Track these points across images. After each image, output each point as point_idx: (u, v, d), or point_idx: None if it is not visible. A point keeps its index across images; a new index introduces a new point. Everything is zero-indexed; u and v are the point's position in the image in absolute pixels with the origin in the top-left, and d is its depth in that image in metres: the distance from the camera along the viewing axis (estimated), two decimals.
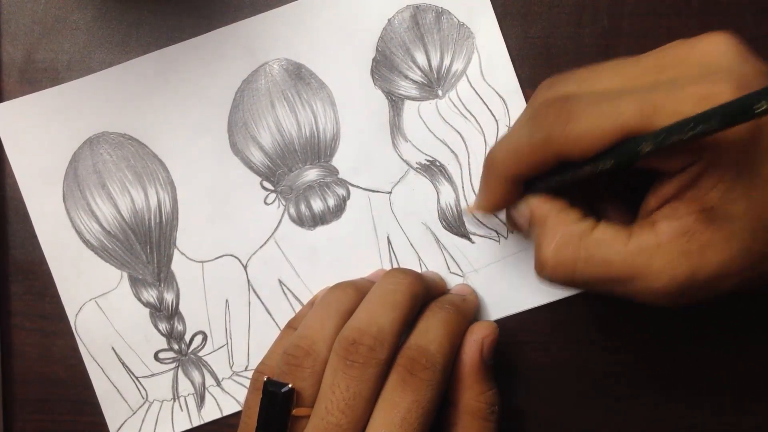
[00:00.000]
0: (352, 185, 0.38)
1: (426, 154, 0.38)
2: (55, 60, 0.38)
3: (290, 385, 0.31)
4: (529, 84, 0.37)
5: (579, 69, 0.30)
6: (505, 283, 0.37)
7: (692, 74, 0.27)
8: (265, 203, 0.38)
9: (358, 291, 0.33)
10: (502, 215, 0.37)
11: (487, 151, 0.33)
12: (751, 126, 0.25)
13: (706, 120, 0.23)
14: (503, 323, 0.37)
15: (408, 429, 0.29)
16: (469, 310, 0.35)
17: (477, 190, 0.36)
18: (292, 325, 0.36)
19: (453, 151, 0.37)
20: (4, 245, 0.38)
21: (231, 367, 0.38)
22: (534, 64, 0.37)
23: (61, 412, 0.38)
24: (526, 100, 0.37)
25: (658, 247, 0.27)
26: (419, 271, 0.37)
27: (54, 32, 0.38)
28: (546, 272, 0.30)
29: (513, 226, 0.34)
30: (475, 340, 0.33)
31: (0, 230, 0.38)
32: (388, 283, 0.33)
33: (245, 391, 0.37)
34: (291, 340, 0.32)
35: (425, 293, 0.34)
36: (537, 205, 0.31)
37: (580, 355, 0.37)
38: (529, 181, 0.31)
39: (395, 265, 0.37)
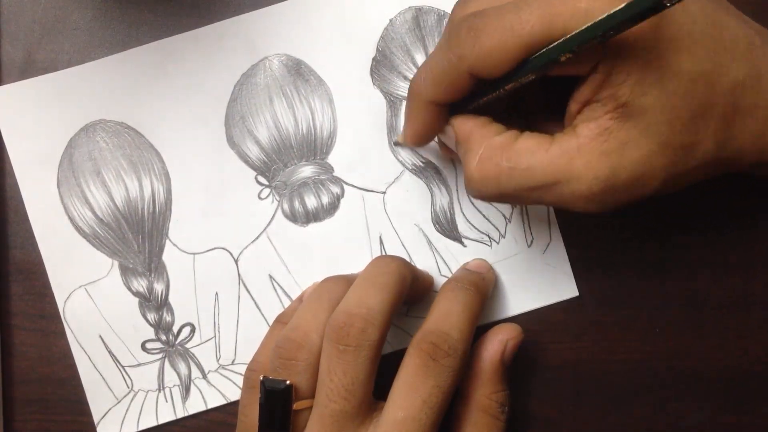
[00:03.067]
0: (347, 184, 0.38)
1: (422, 156, 0.38)
2: (55, 60, 0.38)
3: (288, 382, 0.31)
4: None
5: None
6: (496, 287, 0.37)
7: None
8: (259, 198, 0.38)
9: (349, 283, 0.33)
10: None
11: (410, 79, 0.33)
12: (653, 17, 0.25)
13: (615, 19, 0.24)
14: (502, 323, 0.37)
15: (428, 413, 0.30)
16: (488, 289, 0.36)
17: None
18: (281, 320, 0.36)
19: None
20: (4, 245, 0.38)
21: (218, 360, 0.38)
22: None
23: (61, 412, 0.38)
24: None
25: (578, 149, 0.28)
26: None
27: (54, 32, 0.38)
28: (473, 187, 0.30)
29: (445, 151, 0.35)
30: (500, 341, 0.33)
31: (0, 230, 0.38)
32: (375, 267, 0.33)
33: (231, 385, 0.37)
34: (283, 334, 0.32)
35: (413, 277, 0.34)
36: (459, 123, 0.31)
37: (580, 355, 0.37)
38: (454, 104, 0.31)
39: None
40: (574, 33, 0.26)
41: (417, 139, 0.34)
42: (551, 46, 0.27)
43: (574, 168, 0.28)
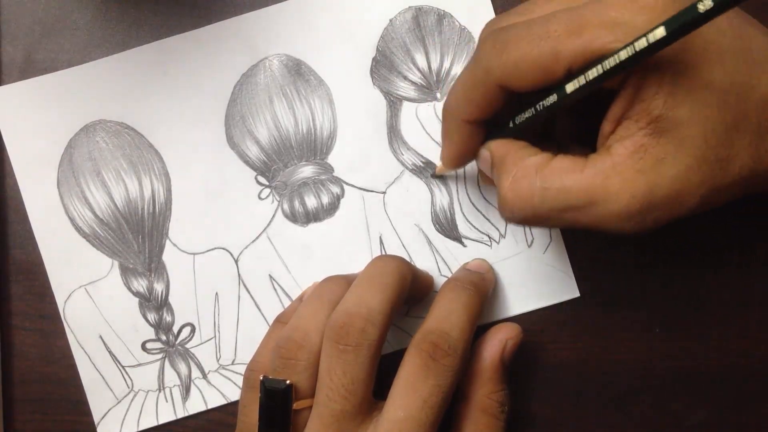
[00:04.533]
0: (347, 184, 0.38)
1: (422, 156, 0.38)
2: (55, 60, 0.38)
3: (288, 382, 0.31)
4: None
5: (518, 6, 0.31)
6: (496, 288, 0.37)
7: None
8: (259, 198, 0.38)
9: (349, 283, 0.33)
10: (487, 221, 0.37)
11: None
12: None
13: (654, 45, 0.24)
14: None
15: (428, 413, 0.30)
16: (488, 289, 0.36)
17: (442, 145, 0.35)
18: (281, 320, 0.36)
19: None
20: (4, 245, 0.38)
21: (218, 361, 0.38)
22: None
23: (61, 412, 0.38)
24: None
25: (614, 168, 0.27)
26: None
27: (54, 32, 0.38)
28: (507, 208, 0.29)
29: (484, 179, 0.35)
30: (500, 340, 0.34)
31: (0, 230, 0.38)
32: (374, 267, 0.33)
33: (231, 385, 0.37)
34: (283, 333, 0.32)
35: (413, 276, 0.34)
36: (496, 147, 0.31)
37: (580, 355, 0.37)
38: (492, 129, 0.31)
39: None
40: (615, 59, 0.25)
41: (454, 161, 0.33)
42: (589, 71, 0.26)
43: (610, 187, 0.27)
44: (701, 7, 0.23)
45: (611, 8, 0.26)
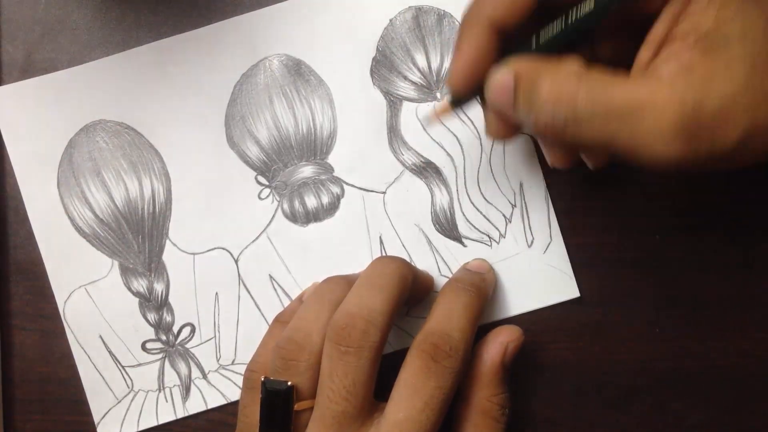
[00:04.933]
0: (347, 184, 0.38)
1: (422, 156, 0.38)
2: (55, 60, 0.38)
3: (289, 383, 0.31)
4: None
5: None
6: (497, 288, 0.37)
7: None
8: (259, 198, 0.38)
9: (349, 283, 0.33)
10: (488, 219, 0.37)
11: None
12: None
13: None
14: (503, 323, 0.37)
15: (429, 414, 0.30)
16: (488, 290, 0.36)
17: (450, 62, 0.32)
18: (280, 320, 0.36)
19: (449, 154, 0.37)
20: (4, 245, 0.38)
21: (218, 361, 0.38)
22: None
23: (61, 412, 0.38)
24: None
25: (661, 81, 0.25)
26: None
27: (54, 32, 0.38)
28: (547, 108, 0.26)
29: (491, 131, 0.31)
30: (501, 343, 0.33)
31: (0, 230, 0.38)
32: (375, 268, 0.33)
33: (231, 385, 0.37)
34: (284, 334, 0.32)
35: (413, 277, 0.34)
36: (521, 65, 0.27)
37: (580, 355, 0.37)
38: (508, 50, 0.29)
39: None
40: None
41: (464, 79, 0.29)
42: None
43: (658, 97, 0.25)
44: None
45: None
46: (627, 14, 0.27)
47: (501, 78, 0.28)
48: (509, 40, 0.29)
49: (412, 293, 0.34)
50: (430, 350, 0.30)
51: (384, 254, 0.37)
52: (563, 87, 0.26)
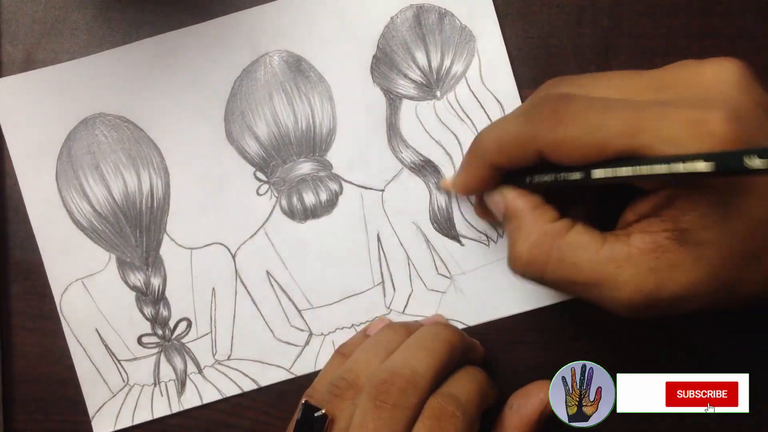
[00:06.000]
0: (346, 181, 0.38)
1: (421, 155, 0.38)
2: (55, 60, 0.38)
3: (323, 411, 0.31)
4: (529, 84, 0.37)
5: (584, 74, 0.31)
6: (493, 287, 0.37)
7: (687, 97, 0.27)
8: (258, 194, 0.38)
9: (408, 334, 0.34)
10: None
11: (478, 133, 0.33)
12: None
13: (696, 173, 0.24)
14: (502, 323, 0.37)
15: None
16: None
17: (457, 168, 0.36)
18: (341, 351, 0.36)
19: (448, 153, 0.38)
20: (4, 245, 0.38)
21: (213, 356, 0.38)
22: (534, 64, 0.37)
23: (61, 412, 0.38)
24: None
25: (628, 259, 0.27)
26: (409, 274, 0.37)
27: (54, 32, 0.38)
28: (518, 268, 0.30)
29: (482, 212, 0.35)
30: (542, 400, 0.33)
31: (0, 230, 0.38)
32: (428, 332, 0.33)
33: (226, 380, 0.37)
34: (338, 372, 0.33)
35: (464, 348, 0.34)
36: (512, 199, 0.31)
37: (579, 355, 0.37)
38: (508, 172, 0.31)
39: (383, 263, 0.37)
40: (650, 170, 0.25)
41: (466, 191, 0.35)
42: (621, 168, 0.26)
43: (620, 276, 0.27)
44: (748, 163, 0.22)
45: (673, 123, 0.25)
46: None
47: (497, 201, 0.32)
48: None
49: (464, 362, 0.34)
50: (434, 409, 0.30)
51: (382, 252, 0.37)
52: (537, 250, 0.29)
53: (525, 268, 0.30)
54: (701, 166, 0.23)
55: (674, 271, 0.27)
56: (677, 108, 0.26)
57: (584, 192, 0.34)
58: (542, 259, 0.29)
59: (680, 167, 0.24)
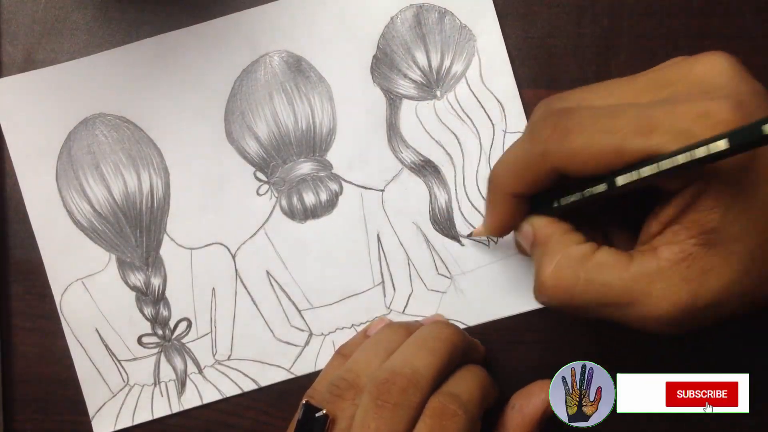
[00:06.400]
0: (346, 181, 0.38)
1: (421, 155, 0.38)
2: (55, 60, 0.38)
3: (324, 411, 0.30)
4: (529, 83, 0.37)
5: (577, 88, 0.30)
6: (493, 287, 0.37)
7: (690, 92, 0.27)
8: (258, 194, 0.38)
9: (408, 334, 0.33)
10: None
11: (491, 169, 0.32)
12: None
13: (716, 153, 0.24)
14: (502, 323, 0.37)
15: None
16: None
17: (484, 212, 0.35)
18: (341, 352, 0.36)
19: (448, 153, 0.38)
20: (4, 245, 0.38)
21: (214, 356, 0.38)
22: (534, 64, 0.37)
23: (61, 412, 0.38)
24: (524, 102, 0.37)
25: (659, 273, 0.27)
26: (409, 274, 0.37)
27: (54, 32, 0.38)
28: (545, 294, 0.29)
29: (520, 250, 0.34)
30: (543, 399, 0.33)
31: (0, 230, 0.38)
32: (429, 330, 0.33)
33: (227, 380, 0.37)
34: (339, 372, 0.32)
35: (465, 347, 0.34)
36: (540, 227, 0.31)
37: (578, 355, 0.37)
38: (536, 202, 0.31)
39: (383, 263, 0.37)
40: (672, 162, 0.25)
41: (498, 231, 0.33)
42: (644, 168, 0.26)
43: (653, 291, 0.27)
44: (767, 129, 0.23)
45: (683, 117, 0.26)
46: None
47: (526, 232, 0.32)
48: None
49: (466, 361, 0.34)
50: (436, 408, 0.30)
51: (382, 252, 0.37)
52: (563, 272, 0.29)
53: (552, 293, 0.29)
54: (722, 143, 0.24)
55: (707, 276, 0.27)
56: (683, 103, 0.26)
57: (613, 213, 0.33)
58: (569, 282, 0.28)
59: (702, 151, 0.24)
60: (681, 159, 0.25)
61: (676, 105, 0.26)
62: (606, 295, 0.28)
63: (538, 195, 0.31)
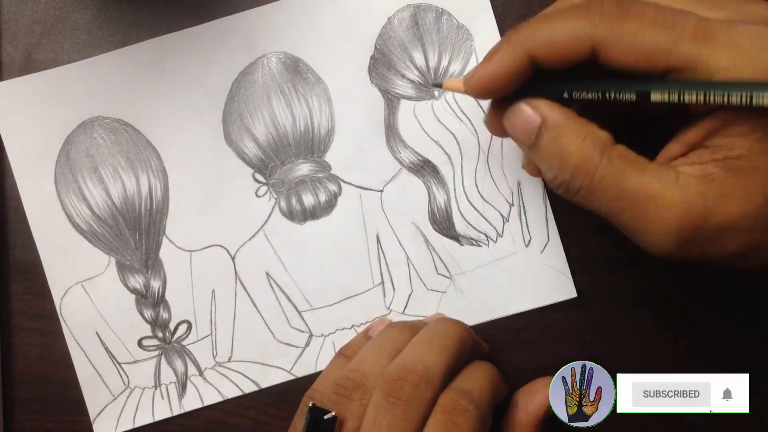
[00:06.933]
0: (344, 182, 0.38)
1: (419, 155, 0.38)
2: (55, 60, 0.38)
3: (333, 413, 0.30)
4: None
5: None
6: (492, 287, 0.37)
7: (746, 18, 0.26)
8: (257, 195, 0.38)
9: (413, 332, 0.33)
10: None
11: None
12: None
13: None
14: (502, 324, 0.37)
15: None
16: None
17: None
18: (343, 353, 0.36)
19: (446, 153, 0.37)
20: (4, 245, 0.38)
21: (214, 358, 0.38)
22: None
23: (61, 412, 0.38)
24: None
25: (677, 183, 0.26)
26: (409, 274, 0.37)
27: (54, 32, 0.38)
28: (567, 169, 0.27)
29: (496, 128, 0.31)
30: (547, 396, 0.33)
31: (0, 230, 0.38)
32: (437, 327, 0.33)
33: (227, 382, 0.37)
34: (343, 373, 0.32)
35: (473, 343, 0.34)
36: (550, 109, 0.28)
37: (577, 354, 0.37)
38: (531, 88, 0.28)
39: (383, 264, 0.37)
40: (728, 101, 0.24)
41: (483, 85, 0.29)
42: (695, 94, 0.25)
43: (668, 195, 0.26)
44: None
45: (743, 35, 0.25)
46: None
47: (527, 116, 0.28)
48: (538, 77, 0.28)
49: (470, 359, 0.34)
50: (447, 404, 0.30)
51: (381, 253, 0.37)
52: (587, 154, 0.27)
53: (575, 171, 0.27)
54: None
55: (724, 200, 0.26)
56: (743, 23, 0.25)
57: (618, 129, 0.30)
58: (595, 160, 0.27)
59: (764, 100, 0.23)
60: (735, 99, 0.24)
61: (736, 22, 0.25)
62: (625, 187, 0.26)
63: (537, 84, 0.28)
